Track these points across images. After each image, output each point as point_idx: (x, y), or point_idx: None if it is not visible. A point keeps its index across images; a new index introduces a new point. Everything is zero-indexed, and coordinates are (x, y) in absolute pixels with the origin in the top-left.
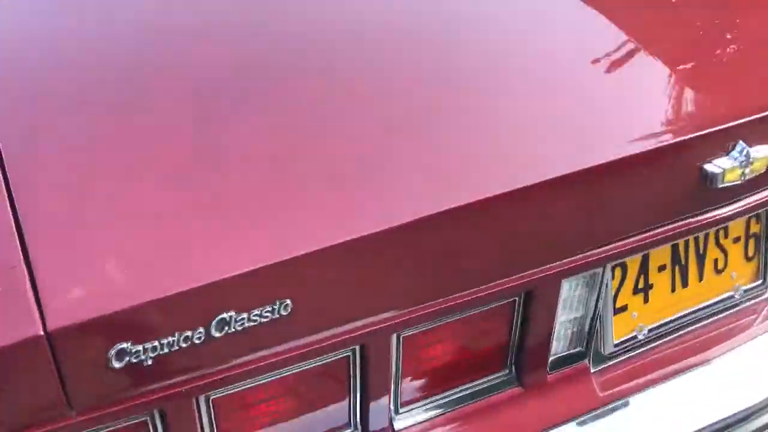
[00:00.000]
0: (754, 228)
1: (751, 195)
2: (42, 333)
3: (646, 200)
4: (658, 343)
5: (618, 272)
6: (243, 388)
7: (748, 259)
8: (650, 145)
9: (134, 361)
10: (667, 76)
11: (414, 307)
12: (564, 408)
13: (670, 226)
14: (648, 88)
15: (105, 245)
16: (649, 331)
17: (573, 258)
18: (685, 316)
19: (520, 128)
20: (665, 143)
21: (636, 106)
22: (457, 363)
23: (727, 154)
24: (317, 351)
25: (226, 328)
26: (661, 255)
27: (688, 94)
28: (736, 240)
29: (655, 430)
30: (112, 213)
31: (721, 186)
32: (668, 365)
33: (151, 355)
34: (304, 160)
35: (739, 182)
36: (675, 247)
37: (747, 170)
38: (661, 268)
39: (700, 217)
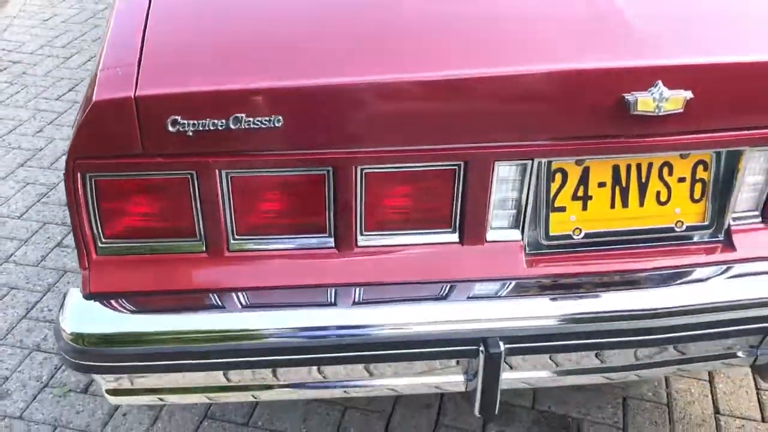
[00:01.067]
0: (702, 174)
1: (673, 135)
2: (133, 96)
3: (574, 114)
4: (593, 248)
5: (558, 177)
6: (250, 174)
7: (695, 200)
8: (583, 65)
9: (181, 130)
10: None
11: (373, 148)
12: (492, 269)
13: (591, 141)
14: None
15: (185, 59)
16: (586, 235)
17: (501, 144)
18: (623, 232)
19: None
20: (595, 67)
21: (581, 33)
22: (411, 208)
23: (647, 90)
24: (298, 162)
25: (239, 124)
26: (601, 172)
27: (635, 33)
28: (681, 180)
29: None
30: (199, 45)
31: (634, 113)
32: (596, 268)
33: (191, 129)
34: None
35: (653, 113)
36: (616, 169)
37: (661, 104)
38: (601, 184)
39: (622, 140)
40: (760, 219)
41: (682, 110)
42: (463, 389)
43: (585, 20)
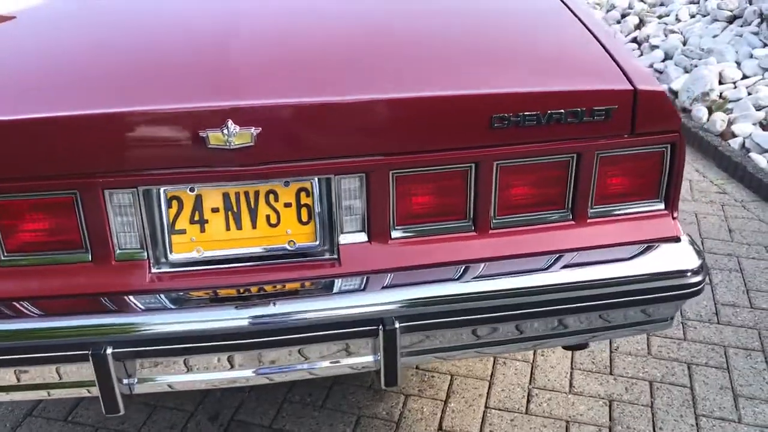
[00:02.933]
0: (306, 200)
1: (252, 165)
2: None
3: (163, 148)
4: (215, 265)
5: (175, 203)
6: None
7: (303, 222)
8: (164, 107)
9: None
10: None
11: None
12: (120, 285)
13: (183, 172)
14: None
15: None
16: (207, 254)
17: (105, 174)
18: (243, 251)
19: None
20: (175, 108)
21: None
22: (47, 231)
23: (219, 127)
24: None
25: None
26: (213, 199)
27: (223, 78)
28: (288, 205)
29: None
30: None
31: (210, 146)
32: (215, 282)
33: None
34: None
35: (226, 147)
36: (226, 196)
37: (231, 139)
38: (215, 210)
39: (207, 170)
40: (366, 238)
41: (252, 144)
42: (87, 394)
43: (185, 66)
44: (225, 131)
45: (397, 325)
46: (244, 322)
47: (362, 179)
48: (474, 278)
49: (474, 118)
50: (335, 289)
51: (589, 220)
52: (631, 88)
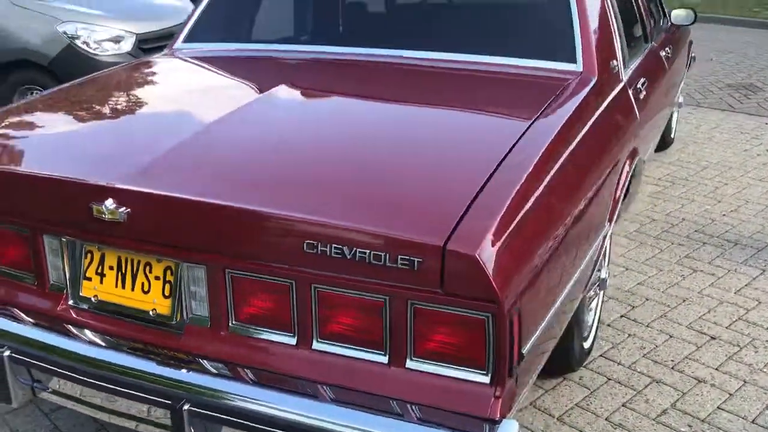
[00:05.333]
0: (170, 277)
1: (123, 238)
2: None
3: (65, 210)
4: (104, 313)
5: (89, 255)
6: None
7: (166, 296)
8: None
9: None
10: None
11: None
12: (44, 310)
13: (79, 232)
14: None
15: None
16: (100, 302)
17: (41, 223)
18: (123, 307)
19: None
20: (69, 179)
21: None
22: (18, 256)
23: (100, 202)
24: None
25: None
26: (111, 259)
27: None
28: (158, 278)
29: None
30: None
31: (94, 216)
32: (99, 327)
33: None
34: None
35: (104, 219)
36: (120, 259)
37: (106, 214)
38: (111, 268)
39: (95, 234)
40: (209, 323)
41: (121, 220)
42: None
43: (125, 148)
44: (104, 206)
45: (186, 407)
46: (76, 360)
47: (204, 271)
48: (273, 387)
49: (290, 238)
50: (160, 359)
51: (405, 370)
52: (440, 244)
